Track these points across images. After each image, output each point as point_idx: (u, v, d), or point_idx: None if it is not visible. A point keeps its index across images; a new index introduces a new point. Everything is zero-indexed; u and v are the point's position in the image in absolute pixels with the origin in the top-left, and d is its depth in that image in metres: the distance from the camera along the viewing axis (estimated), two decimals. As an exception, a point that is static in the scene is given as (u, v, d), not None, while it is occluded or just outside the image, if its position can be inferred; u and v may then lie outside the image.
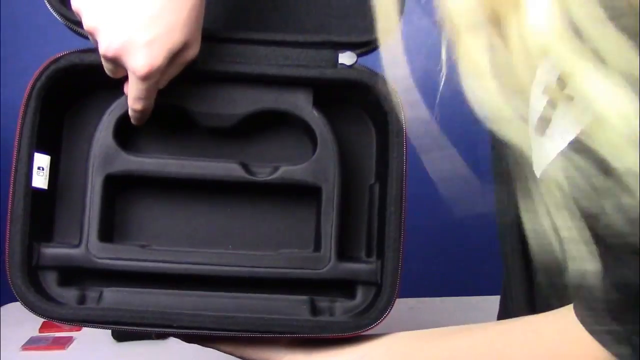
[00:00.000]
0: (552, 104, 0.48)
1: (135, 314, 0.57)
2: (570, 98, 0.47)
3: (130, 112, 0.60)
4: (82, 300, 0.60)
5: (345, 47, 0.62)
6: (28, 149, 0.58)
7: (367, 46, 0.62)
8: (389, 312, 0.58)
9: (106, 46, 0.53)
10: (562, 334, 0.49)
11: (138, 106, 0.58)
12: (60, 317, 0.57)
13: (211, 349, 0.61)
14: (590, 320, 0.47)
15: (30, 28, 1.42)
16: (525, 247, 0.59)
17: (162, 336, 0.62)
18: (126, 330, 0.57)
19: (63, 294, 0.60)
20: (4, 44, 1.42)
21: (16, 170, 0.58)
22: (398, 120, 0.59)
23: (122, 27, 0.52)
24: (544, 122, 0.49)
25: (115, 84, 0.59)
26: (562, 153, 0.43)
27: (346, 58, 0.61)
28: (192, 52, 0.57)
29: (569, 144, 0.43)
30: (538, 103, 0.50)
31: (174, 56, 0.55)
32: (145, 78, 0.54)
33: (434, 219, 1.15)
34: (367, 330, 0.57)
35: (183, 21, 0.54)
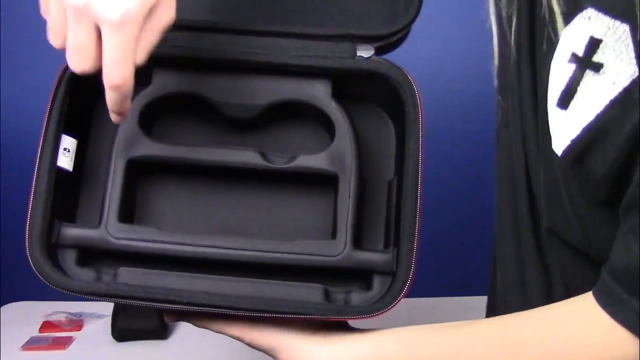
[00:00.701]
0: (578, 74, 0.47)
1: (147, 289, 0.57)
2: (599, 66, 0.46)
3: (108, 95, 0.53)
4: (98, 280, 0.61)
5: (363, 40, 0.63)
6: (55, 130, 0.60)
7: (385, 39, 0.64)
8: (403, 295, 0.57)
9: None
10: (581, 320, 0.48)
11: (116, 74, 0.51)
12: (74, 289, 0.57)
13: (211, 350, 0.61)
14: (612, 303, 0.46)
15: (30, 28, 1.42)
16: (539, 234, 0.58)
17: (179, 314, 0.62)
18: (139, 305, 0.57)
19: (80, 273, 0.60)
20: (4, 43, 1.43)
21: (42, 149, 0.59)
22: (415, 108, 0.60)
23: None
24: (569, 95, 0.48)
25: (140, 74, 0.57)
26: None
27: (364, 51, 0.63)
28: (166, 14, 0.52)
29: None
30: (562, 74, 0.49)
31: (148, 14, 0.51)
32: (120, 25, 0.49)
33: (434, 218, 1.15)
34: (382, 312, 0.57)
35: None
